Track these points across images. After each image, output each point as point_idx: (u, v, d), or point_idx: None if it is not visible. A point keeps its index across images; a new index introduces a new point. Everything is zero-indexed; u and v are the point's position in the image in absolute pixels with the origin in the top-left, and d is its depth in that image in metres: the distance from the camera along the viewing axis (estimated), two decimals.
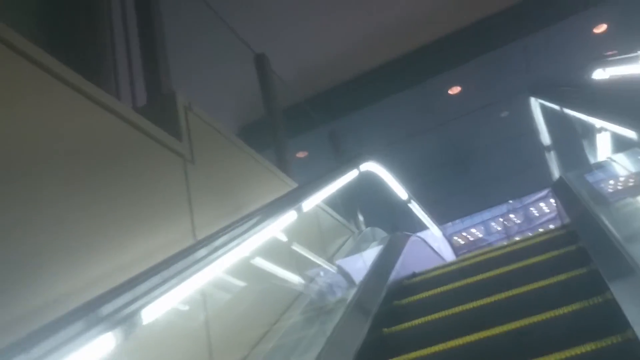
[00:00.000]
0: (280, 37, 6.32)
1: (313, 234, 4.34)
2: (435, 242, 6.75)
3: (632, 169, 4.26)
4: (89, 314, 1.46)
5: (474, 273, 3.57)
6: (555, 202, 5.09)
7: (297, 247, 3.94)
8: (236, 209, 3.17)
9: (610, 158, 4.50)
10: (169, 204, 2.56)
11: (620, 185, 4.23)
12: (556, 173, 5.27)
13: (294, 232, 3.66)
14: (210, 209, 2.84)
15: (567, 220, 4.48)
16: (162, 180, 2.57)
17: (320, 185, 3.78)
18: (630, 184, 4.11)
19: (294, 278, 3.95)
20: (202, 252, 1.96)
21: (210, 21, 5.47)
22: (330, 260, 4.45)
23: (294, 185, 4.23)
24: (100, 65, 3.17)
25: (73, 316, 1.42)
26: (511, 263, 3.52)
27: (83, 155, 2.17)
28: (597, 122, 3.30)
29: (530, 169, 9.60)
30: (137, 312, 1.60)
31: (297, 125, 7.53)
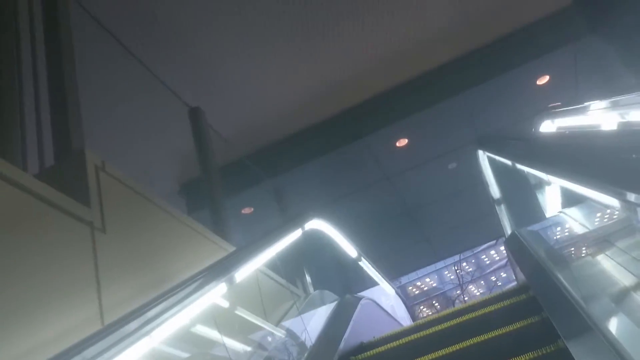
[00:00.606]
0: (218, 92, 6.08)
1: (252, 302, 3.98)
2: (388, 301, 6.45)
3: (586, 223, 4.11)
4: None
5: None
6: (509, 259, 4.90)
7: (231, 319, 3.58)
8: (161, 281, 2.81)
9: (562, 212, 4.36)
10: (74, 283, 2.19)
11: (574, 242, 4.07)
12: (507, 227, 5.08)
13: (228, 303, 3.31)
14: (126, 284, 2.48)
15: (521, 278, 4.30)
16: (66, 255, 2.21)
17: (258, 249, 3.45)
18: (586, 241, 3.94)
19: (232, 350, 3.59)
20: (98, 346, 1.61)
21: (143, 77, 5.19)
22: (273, 329, 4.09)
23: (232, 248, 3.89)
24: (6, 125, 2.82)
25: None
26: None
27: None
28: (547, 177, 3.12)
29: (481, 220, 9.50)
30: None
31: (241, 180, 7.24)
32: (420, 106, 7.16)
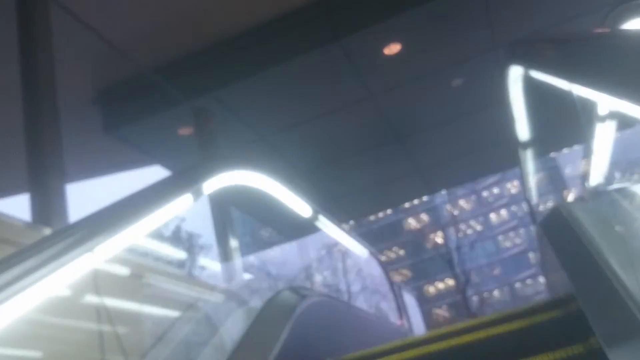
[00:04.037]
0: None
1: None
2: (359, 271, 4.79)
3: None
4: None
5: None
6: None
7: None
8: None
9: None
10: None
11: None
12: (532, 185, 3.30)
13: None
14: None
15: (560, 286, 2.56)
16: None
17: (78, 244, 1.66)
18: None
19: None
20: None
21: None
22: None
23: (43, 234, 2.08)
24: None
25: None
26: None
27: None
28: None
29: (485, 151, 8.07)
30: None
31: (159, 99, 5.53)
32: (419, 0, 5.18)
